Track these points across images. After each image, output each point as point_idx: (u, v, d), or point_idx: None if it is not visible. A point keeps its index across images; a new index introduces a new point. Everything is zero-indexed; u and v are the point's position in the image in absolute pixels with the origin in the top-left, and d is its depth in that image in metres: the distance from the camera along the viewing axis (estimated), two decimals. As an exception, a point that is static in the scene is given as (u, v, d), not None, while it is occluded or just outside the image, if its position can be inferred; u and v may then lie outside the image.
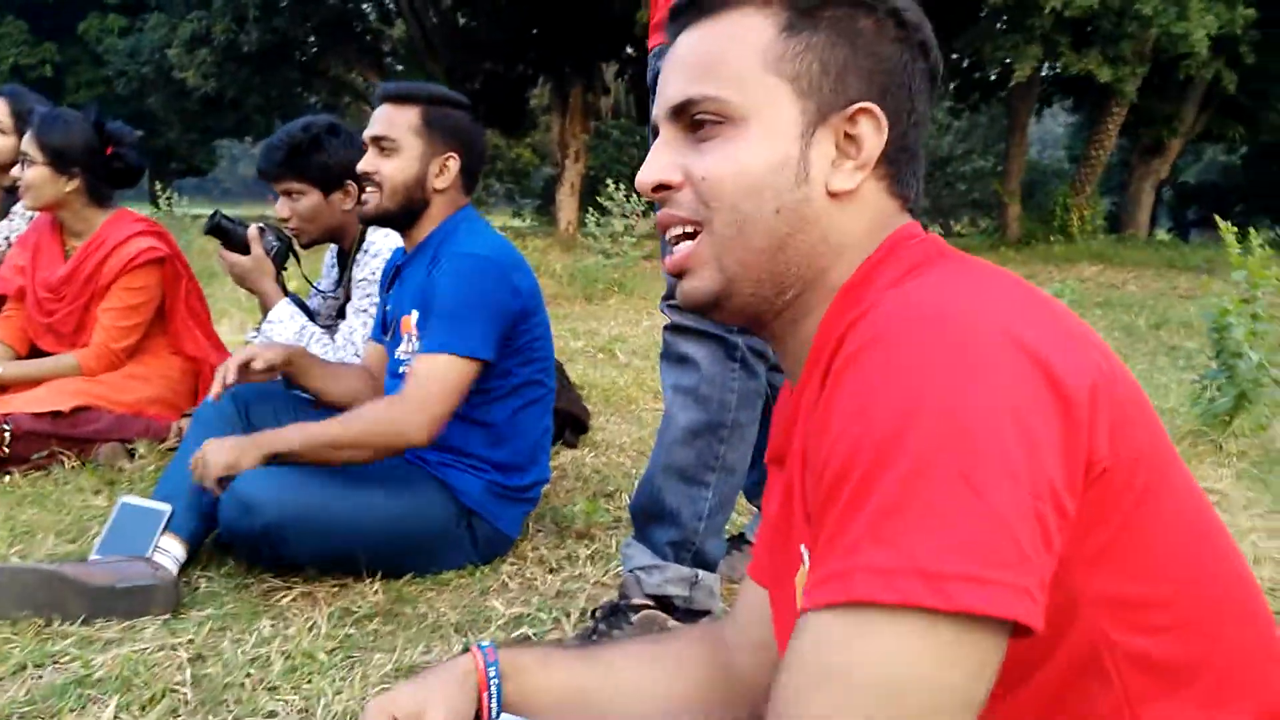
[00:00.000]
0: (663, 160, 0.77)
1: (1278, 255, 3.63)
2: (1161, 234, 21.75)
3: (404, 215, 2.01)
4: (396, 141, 1.96)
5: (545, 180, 29.45)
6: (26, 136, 2.72)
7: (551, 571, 2.01)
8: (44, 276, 2.88)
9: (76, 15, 21.88)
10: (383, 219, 2.02)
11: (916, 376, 0.57)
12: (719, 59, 0.75)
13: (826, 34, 0.74)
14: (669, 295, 1.69)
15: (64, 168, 2.73)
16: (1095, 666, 0.65)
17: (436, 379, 1.84)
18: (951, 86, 18.64)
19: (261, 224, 2.55)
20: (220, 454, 1.76)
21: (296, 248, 2.57)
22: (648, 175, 0.77)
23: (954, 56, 15.92)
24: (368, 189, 1.99)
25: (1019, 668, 0.63)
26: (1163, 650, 0.65)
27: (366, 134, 1.99)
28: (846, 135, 0.75)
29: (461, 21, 18.06)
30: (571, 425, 3.01)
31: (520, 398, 2.04)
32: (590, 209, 9.15)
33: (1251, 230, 3.28)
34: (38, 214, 2.94)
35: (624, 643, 1.06)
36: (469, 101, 2.06)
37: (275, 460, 1.79)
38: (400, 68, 20.03)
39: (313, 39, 20.20)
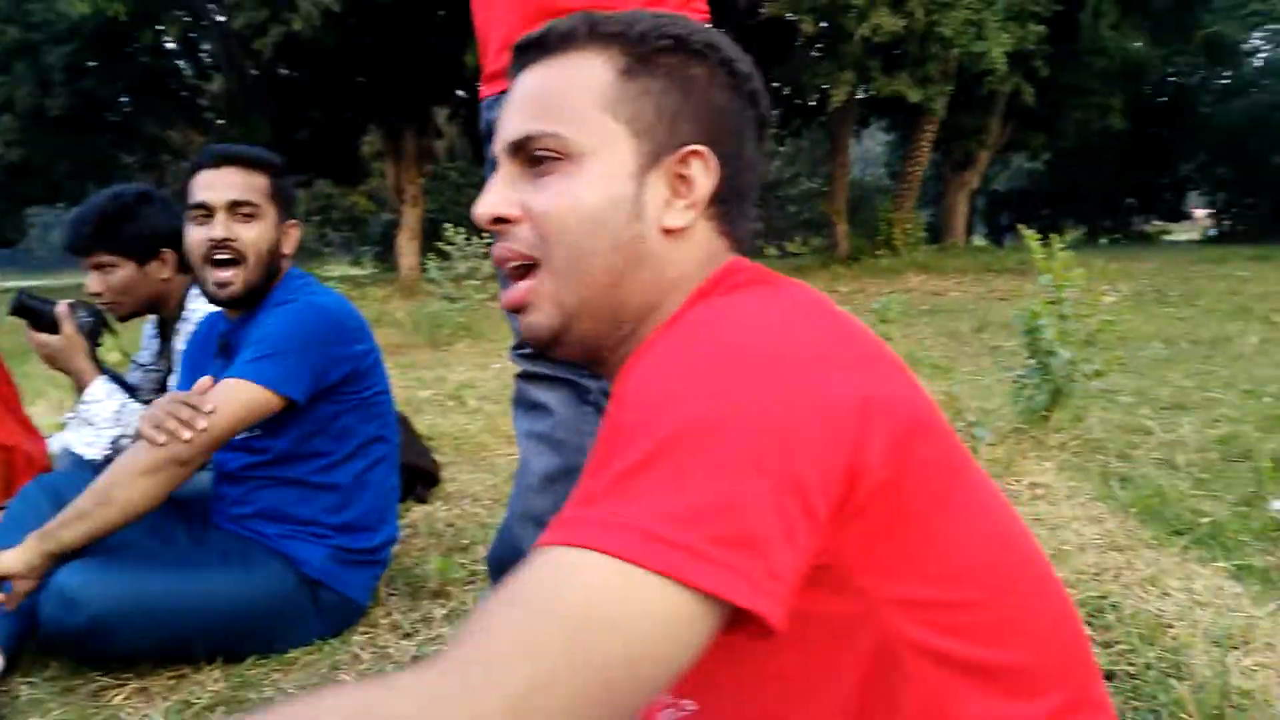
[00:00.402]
0: (500, 194, 0.79)
1: (1084, 253, 3.91)
2: (978, 241, 23.16)
3: (263, 287, 1.93)
4: (259, 207, 1.89)
5: (383, 226, 28.97)
6: None
7: (406, 636, 1.95)
8: None
9: None
10: (251, 294, 1.92)
11: (685, 373, 0.62)
12: (559, 97, 0.78)
13: (662, 80, 0.78)
14: (519, 345, 1.68)
15: None
16: (897, 667, 0.68)
17: (228, 399, 1.73)
18: (775, 113, 19.38)
19: (71, 300, 2.40)
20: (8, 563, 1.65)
21: (111, 321, 2.43)
22: (485, 208, 0.79)
23: (774, 84, 16.58)
24: (219, 259, 1.87)
25: (820, 667, 0.67)
26: (968, 649, 0.69)
27: (214, 199, 1.87)
28: (679, 176, 0.78)
29: (284, 73, 17.59)
30: (421, 479, 2.95)
31: (365, 457, 1.98)
32: (431, 253, 9.04)
33: (1053, 235, 3.53)
34: None
35: None
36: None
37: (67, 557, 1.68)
38: (221, 122, 19.30)
39: (124, 99, 19.29)
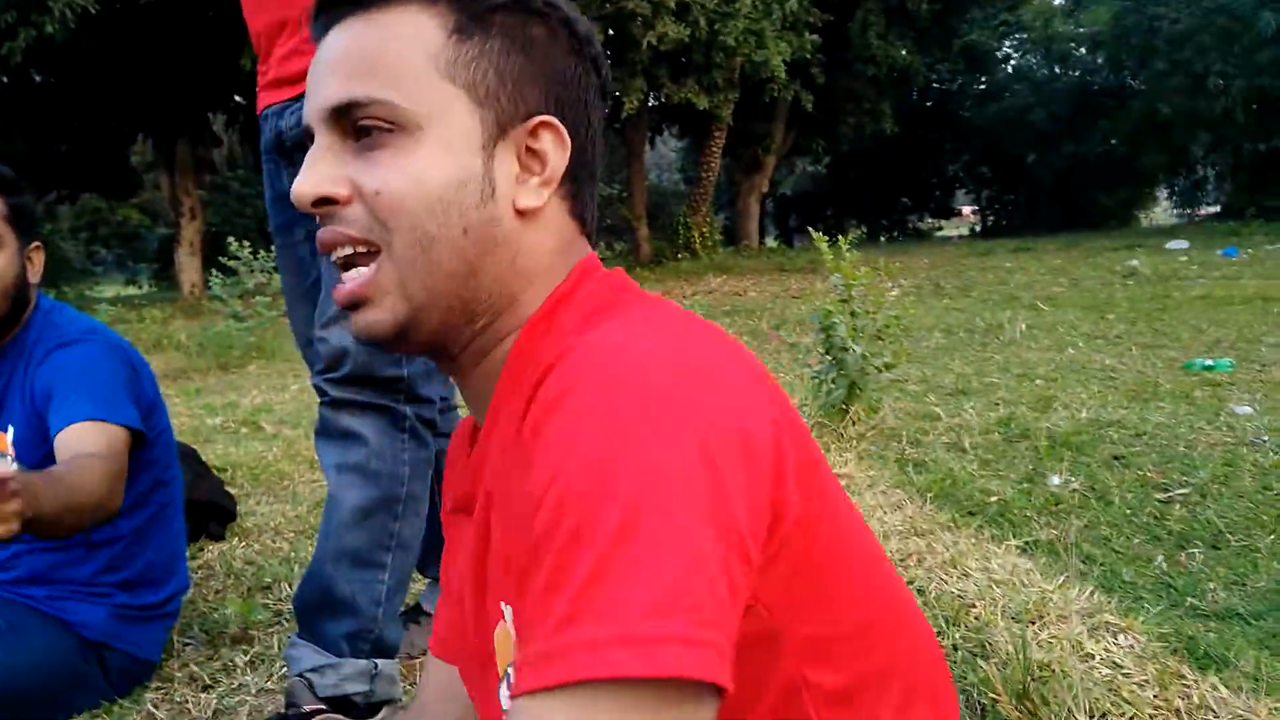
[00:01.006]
0: (323, 171, 0.68)
1: (866, 250, 4.12)
2: (770, 242, 24.15)
3: (10, 323, 1.73)
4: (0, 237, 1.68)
5: (160, 241, 27.11)
6: None
7: (206, 689, 1.80)
8: None
9: None
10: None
11: (611, 428, 0.54)
12: (384, 59, 0.67)
13: (500, 40, 0.69)
14: (324, 369, 1.58)
15: None
16: (796, 708, 0.65)
17: (111, 445, 1.57)
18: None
19: None
20: None
21: None
22: (307, 187, 0.68)
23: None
24: None
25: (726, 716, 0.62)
26: (850, 679, 0.67)
27: None
28: (529, 150, 0.70)
29: (38, 79, 16.12)
30: (215, 516, 2.75)
31: (149, 505, 1.81)
32: (214, 270, 8.51)
33: (839, 236, 3.70)
34: None
35: None
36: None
37: None
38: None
39: None
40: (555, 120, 0.70)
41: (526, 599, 0.55)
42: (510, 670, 0.62)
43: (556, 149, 0.70)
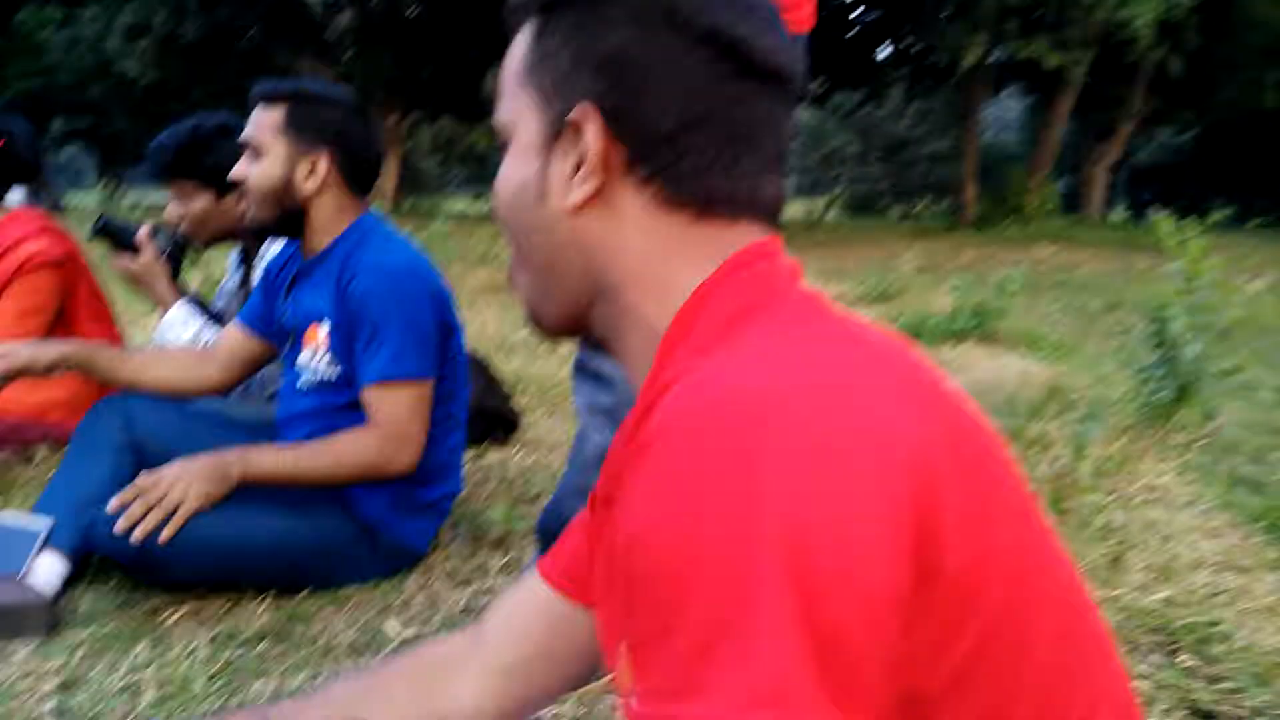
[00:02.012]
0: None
1: (1231, 235, 3.60)
2: (1118, 215, 21.93)
3: (281, 224, 1.87)
4: (261, 144, 1.82)
5: (503, 166, 29.34)
6: None
7: (460, 584, 1.90)
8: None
9: (13, 7, 21.27)
10: (261, 230, 1.90)
11: (694, 502, 0.49)
12: (502, 78, 0.72)
13: (560, 35, 0.66)
14: None
15: None
16: None
17: (401, 408, 1.77)
18: (905, 71, 18.70)
19: (153, 223, 2.42)
20: (192, 483, 1.66)
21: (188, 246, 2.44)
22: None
23: (904, 43, 15.97)
24: (245, 197, 1.86)
25: None
26: None
27: (241, 138, 1.86)
28: (573, 141, 0.65)
29: (409, 11, 17.78)
30: (500, 424, 2.90)
31: (434, 413, 1.89)
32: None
33: (1196, 216, 3.24)
34: None
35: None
36: (348, 96, 1.91)
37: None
38: (348, 55, 19.64)
39: (254, 29, 19.78)
40: (590, 105, 0.63)
41: (631, 645, 0.54)
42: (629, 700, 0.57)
43: (595, 135, 0.63)
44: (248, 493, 1.75)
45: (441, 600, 1.83)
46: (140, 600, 1.77)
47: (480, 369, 2.92)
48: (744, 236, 0.65)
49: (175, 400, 2.04)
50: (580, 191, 0.64)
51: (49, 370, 1.89)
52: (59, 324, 2.71)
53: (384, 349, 1.77)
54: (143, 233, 2.35)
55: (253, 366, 2.05)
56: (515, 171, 0.69)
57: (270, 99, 1.83)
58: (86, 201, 17.95)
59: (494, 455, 2.78)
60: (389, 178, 18.57)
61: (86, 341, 2.18)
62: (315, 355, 1.87)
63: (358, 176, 1.89)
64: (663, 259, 0.65)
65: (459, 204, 27.50)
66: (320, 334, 1.86)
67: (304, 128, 1.82)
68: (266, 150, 1.81)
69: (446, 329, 1.90)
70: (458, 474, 2.05)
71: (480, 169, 33.52)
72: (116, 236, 2.34)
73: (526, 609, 0.84)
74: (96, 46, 19.01)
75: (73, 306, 2.72)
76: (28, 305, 2.60)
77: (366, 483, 1.82)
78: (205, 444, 1.80)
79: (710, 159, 0.64)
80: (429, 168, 30.90)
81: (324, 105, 1.85)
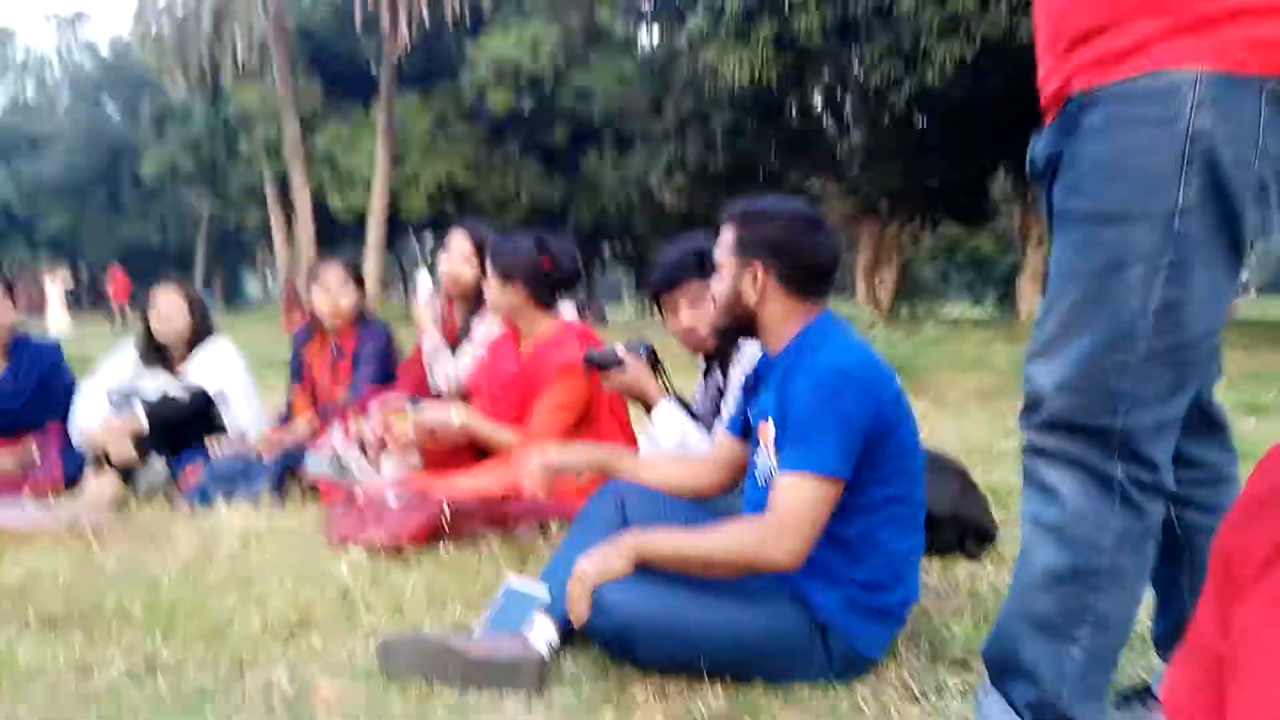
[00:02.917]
0: None
1: None
2: None
3: (736, 330, 2.05)
4: (719, 260, 2.03)
5: (1006, 269, 28.21)
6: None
7: (913, 699, 1.81)
8: (499, 373, 3.31)
9: (581, 153, 25.45)
10: (722, 333, 2.11)
11: None
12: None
13: None
14: (1023, 409, 1.48)
15: (508, 280, 3.14)
16: None
17: (799, 500, 1.78)
18: None
19: (624, 341, 2.75)
20: (593, 565, 1.85)
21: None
22: None
23: None
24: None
25: None
26: None
27: None
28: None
29: (915, 124, 18.12)
30: (973, 534, 2.74)
31: (878, 515, 1.89)
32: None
33: None
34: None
35: None
36: (796, 208, 2.02)
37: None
38: (855, 171, 20.47)
39: (774, 156, 21.45)
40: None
41: None
42: None
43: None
44: (711, 582, 1.85)
45: (893, 713, 1.76)
46: (614, 672, 1.93)
47: (956, 475, 2.80)
48: None
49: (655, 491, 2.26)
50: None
51: (578, 472, 2.31)
52: (584, 421, 3.14)
53: (800, 442, 1.80)
54: (620, 350, 2.68)
55: (742, 470, 2.18)
56: None
57: (729, 219, 2.03)
58: (624, 316, 20.42)
59: (964, 568, 2.63)
60: (887, 285, 18.80)
61: (607, 445, 2.56)
62: (765, 454, 1.94)
63: (801, 282, 1.97)
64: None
65: (956, 309, 26.91)
66: (769, 432, 1.93)
67: (746, 244, 1.98)
68: (722, 267, 2.01)
69: (886, 431, 1.86)
70: (914, 580, 1.97)
71: (979, 273, 32.62)
72: (601, 363, 2.71)
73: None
74: (640, 182, 21.95)
75: (596, 405, 3.14)
76: (560, 403, 3.06)
77: (756, 573, 1.82)
78: (679, 525, 1.97)
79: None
80: (928, 273, 30.84)
81: (766, 220, 1.99)
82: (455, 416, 3.16)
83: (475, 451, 3.42)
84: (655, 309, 2.78)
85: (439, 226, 30.32)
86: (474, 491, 2.93)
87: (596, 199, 26.20)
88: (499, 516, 2.89)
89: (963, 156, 17.94)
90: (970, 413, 5.55)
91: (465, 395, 3.68)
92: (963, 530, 2.71)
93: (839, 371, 1.84)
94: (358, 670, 1.95)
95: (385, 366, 4.02)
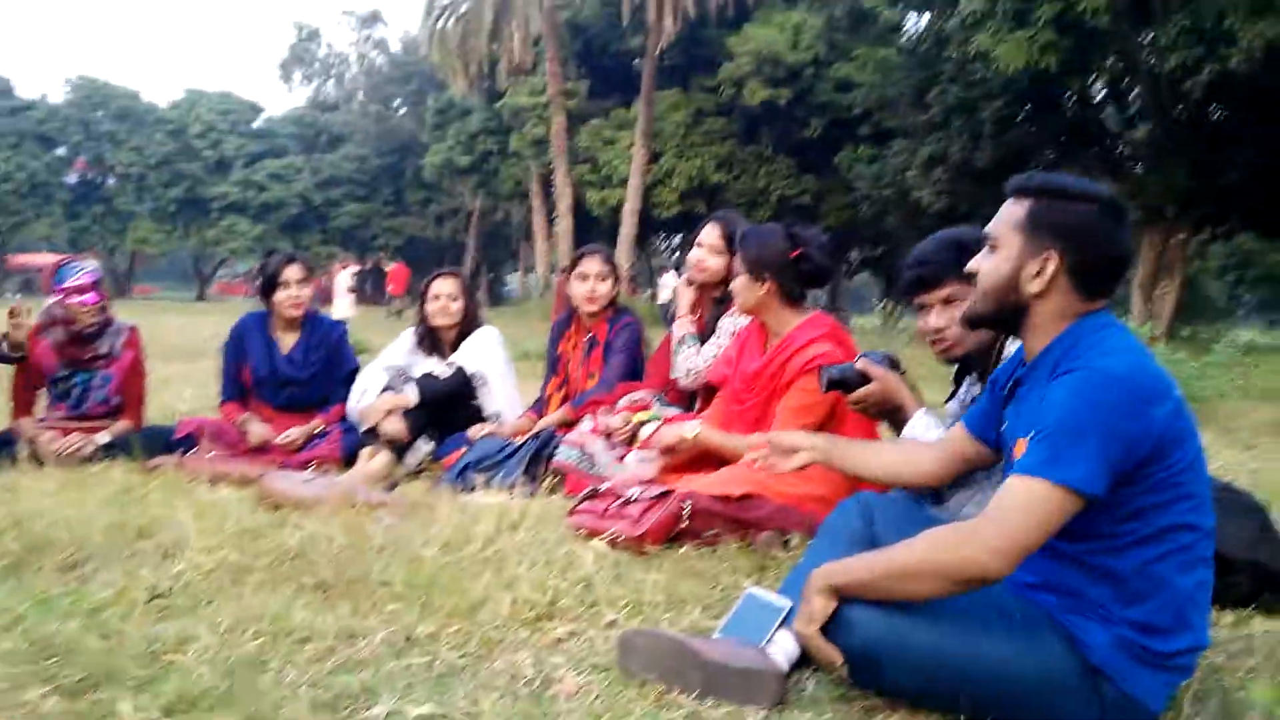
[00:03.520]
0: None
1: None
2: None
3: (999, 320, 1.84)
4: (998, 239, 1.80)
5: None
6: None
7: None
8: (744, 369, 3.27)
9: (835, 148, 24.96)
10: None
11: None
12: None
13: None
14: None
15: (759, 274, 3.09)
16: None
17: (1021, 506, 1.61)
18: None
19: (863, 353, 2.58)
20: (801, 624, 1.79)
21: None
22: None
23: None
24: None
25: None
26: None
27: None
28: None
29: (1213, 115, 16.35)
30: (1274, 585, 2.41)
31: (1158, 546, 1.67)
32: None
33: None
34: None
35: None
36: (1104, 194, 1.76)
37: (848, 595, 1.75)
38: (1139, 170, 18.74)
39: (1046, 151, 20.12)
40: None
41: None
42: None
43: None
44: (971, 609, 1.72)
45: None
46: (858, 697, 1.83)
47: (1255, 515, 2.48)
48: None
49: (911, 500, 2.15)
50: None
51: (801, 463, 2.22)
52: (830, 420, 3.04)
53: (1048, 445, 1.61)
54: (860, 363, 2.51)
55: (967, 466, 2.07)
56: None
57: (1018, 193, 1.81)
58: (870, 322, 19.83)
59: (1261, 623, 2.31)
60: (1168, 301, 17.08)
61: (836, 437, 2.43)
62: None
63: (1091, 279, 1.75)
64: None
65: (1246, 334, 24.15)
66: (1025, 448, 1.75)
67: (1040, 224, 1.75)
68: (1002, 245, 1.80)
69: (1159, 451, 1.63)
70: (1202, 624, 1.74)
71: (1277, 293, 29.06)
72: (843, 382, 2.53)
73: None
74: (897, 179, 21.23)
75: (841, 409, 3.02)
76: (806, 401, 2.98)
77: (961, 583, 1.65)
78: None
79: None
80: (1215, 291, 27.79)
81: (1069, 201, 1.75)
82: (690, 431, 3.17)
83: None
84: (898, 314, 2.62)
85: (687, 225, 30.80)
86: (716, 490, 2.90)
87: (848, 198, 25.63)
88: (739, 520, 2.85)
89: (1266, 155, 15.97)
90: (1266, 449, 4.92)
91: (706, 388, 3.66)
92: (1260, 579, 2.39)
93: (1111, 376, 1.62)
94: (597, 663, 1.97)
95: (635, 359, 4.10)
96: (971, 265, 1.87)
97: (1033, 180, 1.80)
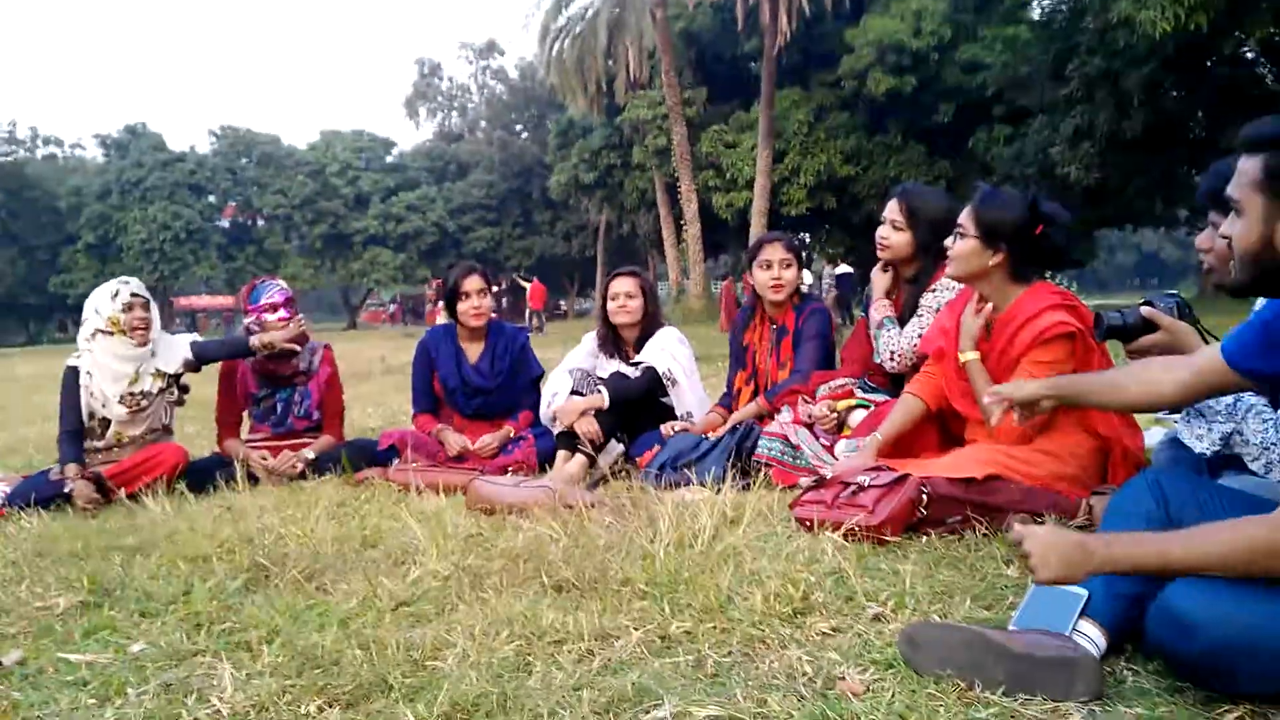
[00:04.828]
0: None
1: None
2: None
3: (1260, 286, 1.63)
4: (1238, 200, 1.59)
5: None
6: (965, 210, 2.90)
7: None
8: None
9: (967, 131, 24.13)
10: (1238, 290, 1.67)
11: None
12: None
13: None
14: None
15: (992, 242, 2.84)
16: None
17: None
18: None
19: (1144, 299, 2.32)
20: (1045, 561, 1.60)
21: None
22: None
23: None
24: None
25: None
26: None
27: None
28: None
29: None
30: None
31: None
32: None
33: None
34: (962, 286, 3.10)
35: None
36: None
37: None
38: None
39: (1201, 115, 18.93)
40: None
41: None
42: None
43: None
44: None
45: None
46: (1189, 689, 1.62)
47: None
48: None
49: (1193, 472, 1.92)
50: None
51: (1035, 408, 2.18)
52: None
53: None
54: (1145, 310, 2.27)
55: (1210, 394, 1.92)
56: None
57: (1251, 146, 1.58)
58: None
59: None
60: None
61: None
62: None
63: None
64: None
65: None
66: None
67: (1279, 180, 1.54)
68: (1245, 208, 1.58)
69: None
70: None
71: None
72: (1124, 331, 2.29)
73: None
74: (1039, 156, 20.35)
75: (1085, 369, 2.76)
76: (1041, 371, 2.72)
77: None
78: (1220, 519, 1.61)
79: None
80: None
81: None
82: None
83: (940, 432, 3.20)
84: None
85: (818, 221, 30.27)
86: (954, 473, 2.69)
87: (987, 181, 24.74)
88: (983, 504, 2.64)
89: None
90: None
91: (922, 361, 3.41)
92: None
93: None
94: (876, 659, 1.82)
95: (828, 346, 3.92)
96: (1223, 230, 1.69)
97: (1264, 130, 1.58)
